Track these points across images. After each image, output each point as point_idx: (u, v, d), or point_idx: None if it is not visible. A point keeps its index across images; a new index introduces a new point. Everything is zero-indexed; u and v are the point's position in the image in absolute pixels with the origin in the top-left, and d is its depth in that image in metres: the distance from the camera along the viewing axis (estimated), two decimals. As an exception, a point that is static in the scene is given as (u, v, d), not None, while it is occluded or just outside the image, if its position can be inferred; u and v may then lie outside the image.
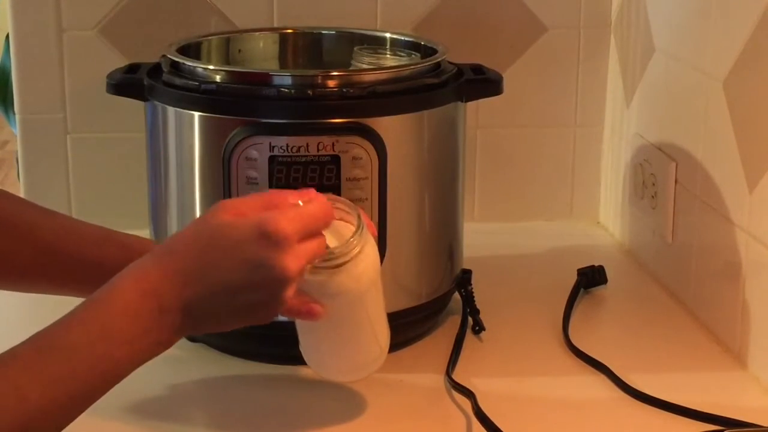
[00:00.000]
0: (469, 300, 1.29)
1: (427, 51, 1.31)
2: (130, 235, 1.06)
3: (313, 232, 0.94)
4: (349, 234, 0.99)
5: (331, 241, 0.98)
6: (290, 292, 0.92)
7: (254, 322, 0.94)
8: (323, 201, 0.96)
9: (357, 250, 0.99)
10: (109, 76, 1.27)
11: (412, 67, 1.25)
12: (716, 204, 1.25)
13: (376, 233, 1.04)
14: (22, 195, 1.57)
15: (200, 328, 0.93)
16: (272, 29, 1.48)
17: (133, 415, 1.08)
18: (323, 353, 1.07)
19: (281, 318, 0.98)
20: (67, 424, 0.85)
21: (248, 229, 0.90)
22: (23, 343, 0.85)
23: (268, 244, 0.90)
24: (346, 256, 0.98)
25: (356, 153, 1.15)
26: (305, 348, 1.07)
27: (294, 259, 0.91)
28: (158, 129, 1.23)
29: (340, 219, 1.00)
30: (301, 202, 0.95)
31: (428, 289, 1.25)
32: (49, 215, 1.05)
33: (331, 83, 1.17)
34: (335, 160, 1.15)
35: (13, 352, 0.84)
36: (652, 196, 1.43)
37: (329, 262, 0.98)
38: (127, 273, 0.90)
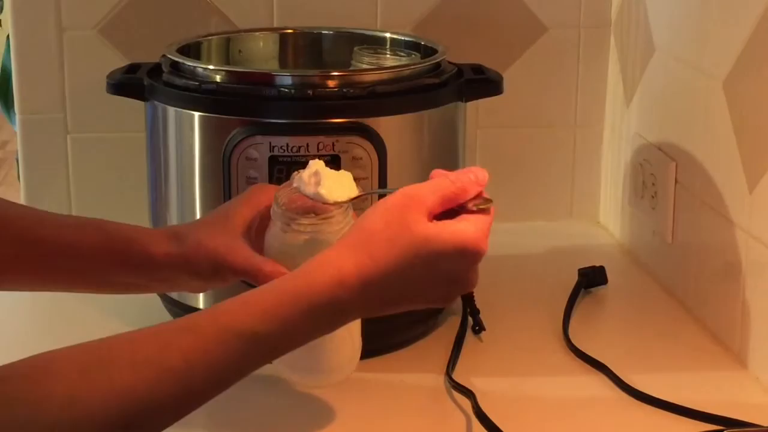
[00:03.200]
0: (469, 300, 1.29)
1: (427, 51, 1.32)
2: (106, 220, 1.05)
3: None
4: (334, 185, 0.98)
5: (312, 186, 0.97)
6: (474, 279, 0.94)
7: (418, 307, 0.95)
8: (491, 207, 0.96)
9: (347, 220, 0.97)
10: (109, 76, 1.27)
11: (412, 67, 1.25)
12: (716, 204, 1.25)
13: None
14: (22, 195, 1.57)
15: (369, 314, 0.93)
16: (272, 29, 1.48)
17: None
18: (297, 352, 1.03)
19: None
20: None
21: (450, 247, 0.90)
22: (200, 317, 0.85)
23: (468, 262, 0.91)
24: (338, 224, 0.97)
25: (356, 153, 1.15)
26: None
27: (478, 271, 0.93)
28: (158, 129, 1.23)
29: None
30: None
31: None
32: (21, 207, 1.05)
33: (331, 83, 1.17)
34: (335, 160, 1.15)
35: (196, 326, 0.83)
36: (652, 196, 1.43)
37: (318, 225, 0.97)
38: (320, 262, 0.89)
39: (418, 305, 0.93)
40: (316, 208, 0.98)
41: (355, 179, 1.15)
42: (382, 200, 0.92)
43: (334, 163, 1.15)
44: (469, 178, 0.95)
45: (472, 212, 0.94)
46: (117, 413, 0.77)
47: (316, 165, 0.99)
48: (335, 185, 0.98)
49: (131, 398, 0.78)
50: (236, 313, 0.85)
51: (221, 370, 0.84)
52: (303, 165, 1.14)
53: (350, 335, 1.03)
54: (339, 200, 0.98)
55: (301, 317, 0.86)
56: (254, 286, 0.91)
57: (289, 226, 0.98)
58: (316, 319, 0.87)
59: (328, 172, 0.98)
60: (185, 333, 0.83)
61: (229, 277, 1.01)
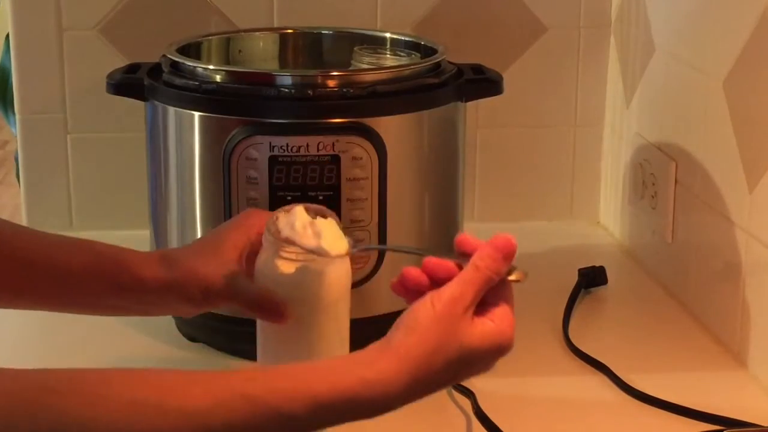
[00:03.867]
0: (469, 300, 1.29)
1: (427, 51, 1.31)
2: (98, 241, 1.04)
3: None
4: (331, 236, 0.96)
5: (311, 239, 0.96)
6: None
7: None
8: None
9: (343, 251, 0.96)
10: (109, 76, 1.27)
11: (412, 67, 1.25)
12: (716, 204, 1.25)
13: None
14: (22, 195, 1.57)
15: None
16: (272, 29, 1.48)
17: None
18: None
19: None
20: None
21: (487, 346, 0.90)
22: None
23: (499, 357, 0.92)
24: (330, 253, 0.95)
25: (356, 153, 1.15)
26: (265, 362, 1.02)
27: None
28: (158, 129, 1.23)
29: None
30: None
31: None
32: (14, 226, 1.04)
33: (331, 83, 1.17)
34: (335, 160, 1.15)
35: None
36: (652, 196, 1.43)
37: (309, 256, 0.95)
38: (364, 378, 0.86)
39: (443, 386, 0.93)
40: (306, 235, 0.96)
41: (356, 179, 1.16)
42: (425, 307, 0.89)
43: (334, 162, 1.15)
44: (495, 258, 0.96)
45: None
46: None
47: (302, 214, 0.97)
48: (329, 234, 0.96)
49: None
50: (285, 399, 0.82)
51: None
52: (303, 165, 1.15)
53: (335, 351, 1.01)
54: (341, 253, 0.96)
55: (339, 411, 0.85)
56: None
57: (280, 254, 0.96)
58: (330, 410, 0.85)
59: (322, 223, 0.97)
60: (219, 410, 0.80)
61: (219, 303, 1.00)
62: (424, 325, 0.87)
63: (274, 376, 0.84)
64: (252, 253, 1.00)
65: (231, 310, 1.06)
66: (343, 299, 1.00)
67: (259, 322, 1.01)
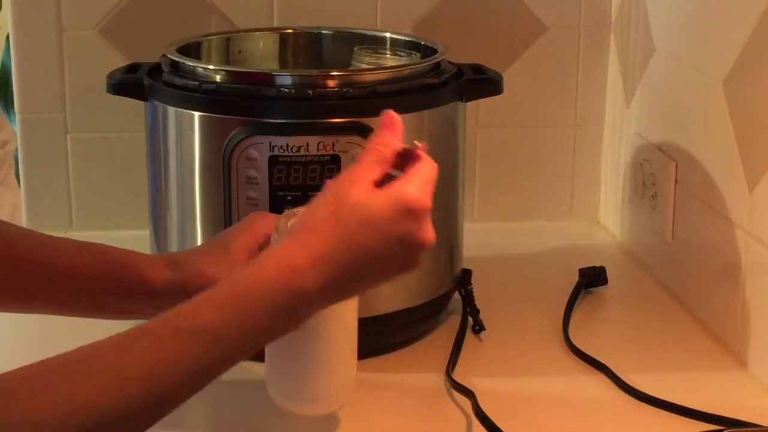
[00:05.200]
0: (469, 300, 1.29)
1: (427, 51, 1.31)
2: (104, 244, 1.04)
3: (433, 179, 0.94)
4: None
5: None
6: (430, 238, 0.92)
7: (388, 281, 0.94)
8: (427, 157, 0.95)
9: None
10: (109, 76, 1.27)
11: (412, 66, 1.25)
12: (716, 204, 1.25)
13: None
14: (22, 195, 1.57)
15: (336, 300, 0.92)
16: (272, 29, 1.48)
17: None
18: (294, 377, 1.01)
19: None
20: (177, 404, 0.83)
21: (390, 207, 0.89)
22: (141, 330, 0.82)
23: (412, 220, 0.90)
24: None
25: (356, 153, 1.15)
26: (273, 374, 1.02)
27: (431, 226, 0.92)
28: (158, 129, 1.23)
29: None
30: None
31: (428, 289, 1.25)
32: (20, 229, 1.04)
33: (331, 83, 1.17)
34: (335, 159, 1.15)
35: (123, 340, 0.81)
36: (652, 196, 1.43)
37: None
38: (269, 254, 0.89)
39: (383, 277, 0.92)
40: None
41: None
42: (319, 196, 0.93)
43: (334, 162, 1.15)
44: (383, 132, 0.95)
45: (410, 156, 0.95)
46: (83, 429, 0.75)
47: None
48: None
49: (94, 412, 0.76)
50: (192, 312, 0.83)
51: (183, 371, 0.82)
52: (303, 165, 1.15)
53: (346, 361, 1.02)
54: None
55: (257, 308, 0.85)
56: None
57: None
58: (273, 310, 0.86)
59: None
60: (144, 337, 0.81)
61: None
62: (317, 197, 0.92)
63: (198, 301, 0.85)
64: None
65: None
66: (351, 300, 1.00)
67: None
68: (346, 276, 0.89)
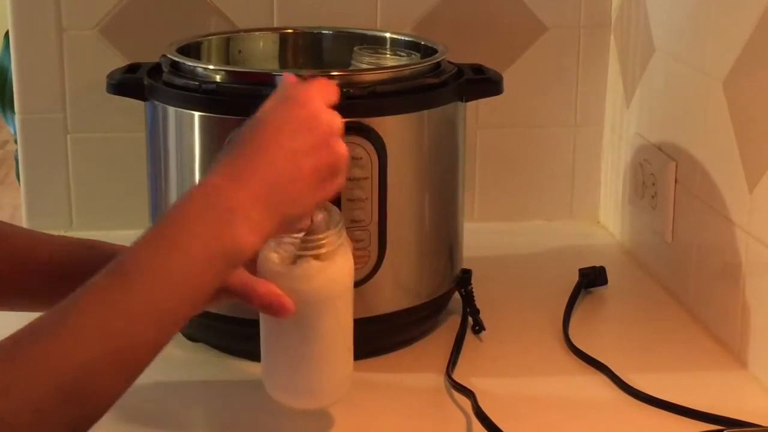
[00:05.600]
0: (469, 300, 1.29)
1: (427, 51, 1.31)
2: (98, 240, 1.04)
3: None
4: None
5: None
6: (342, 145, 0.93)
7: (328, 191, 0.93)
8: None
9: (340, 241, 0.98)
10: (109, 75, 1.27)
11: (412, 66, 1.25)
12: (716, 204, 1.25)
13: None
14: (22, 195, 1.57)
15: (278, 214, 0.89)
16: (272, 29, 1.48)
17: (132, 415, 1.08)
18: (289, 371, 1.01)
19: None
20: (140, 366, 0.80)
21: (277, 93, 0.94)
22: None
23: (298, 86, 0.94)
24: (330, 245, 0.97)
25: (356, 153, 1.15)
26: (269, 367, 1.02)
27: (329, 110, 0.93)
28: (158, 129, 1.23)
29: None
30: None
31: (428, 289, 1.25)
32: (13, 227, 1.03)
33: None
34: (335, 160, 1.15)
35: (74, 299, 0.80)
36: (652, 196, 1.43)
37: (310, 246, 0.96)
38: (194, 188, 0.88)
39: (302, 183, 0.90)
40: (308, 228, 0.98)
41: (356, 179, 1.16)
42: None
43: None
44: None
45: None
46: (55, 387, 0.75)
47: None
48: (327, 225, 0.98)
49: (65, 368, 0.75)
50: (131, 252, 0.83)
51: (135, 316, 0.80)
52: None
53: (341, 356, 1.02)
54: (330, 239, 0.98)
55: (181, 230, 0.84)
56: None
57: (281, 245, 0.97)
58: (202, 220, 0.84)
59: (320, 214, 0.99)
60: (109, 277, 0.81)
61: (221, 297, 0.98)
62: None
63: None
64: None
65: (232, 309, 1.06)
66: (344, 296, 1.00)
67: (262, 319, 1.01)
68: (269, 181, 0.88)
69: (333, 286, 0.99)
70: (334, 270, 0.98)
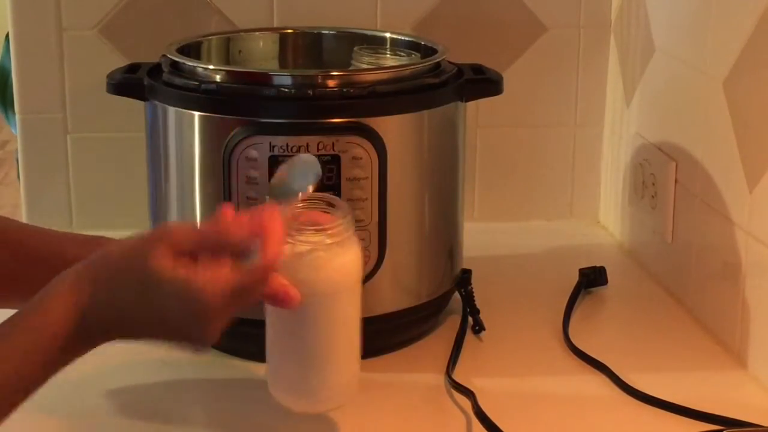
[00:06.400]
0: (469, 300, 1.29)
1: (427, 51, 1.31)
2: (108, 237, 1.04)
3: (249, 293, 0.90)
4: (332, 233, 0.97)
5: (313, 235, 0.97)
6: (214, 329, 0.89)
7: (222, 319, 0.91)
8: (272, 253, 0.89)
9: (348, 234, 0.97)
10: (109, 75, 1.27)
11: (412, 66, 1.25)
12: (716, 204, 1.25)
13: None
14: (22, 195, 1.57)
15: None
16: (272, 29, 1.48)
17: (132, 415, 1.08)
18: (294, 374, 1.00)
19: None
20: None
21: (177, 288, 0.87)
22: None
23: (190, 311, 0.88)
24: (338, 236, 0.97)
25: (356, 153, 1.15)
26: (274, 370, 1.01)
27: (215, 326, 0.88)
28: (158, 129, 1.23)
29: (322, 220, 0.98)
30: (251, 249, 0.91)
31: (428, 289, 1.25)
32: (20, 223, 1.04)
33: (331, 83, 1.17)
34: (335, 159, 1.15)
35: None
36: (652, 196, 1.43)
37: (318, 237, 0.96)
38: (59, 283, 0.89)
39: (158, 335, 0.91)
40: (317, 221, 0.98)
41: (356, 179, 1.16)
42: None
43: (334, 162, 1.15)
44: (239, 222, 0.91)
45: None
46: None
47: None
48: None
49: None
50: None
51: None
52: (303, 165, 1.15)
53: (347, 359, 1.01)
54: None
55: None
56: None
57: (290, 238, 0.96)
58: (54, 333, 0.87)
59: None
60: None
61: None
62: (129, 239, 0.92)
63: None
64: None
65: None
66: (351, 291, 1.00)
67: (267, 316, 1.00)
68: (118, 322, 0.89)
69: (340, 278, 0.98)
70: (341, 261, 0.98)
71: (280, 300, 0.94)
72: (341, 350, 1.00)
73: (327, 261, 0.97)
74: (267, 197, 0.98)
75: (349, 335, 1.01)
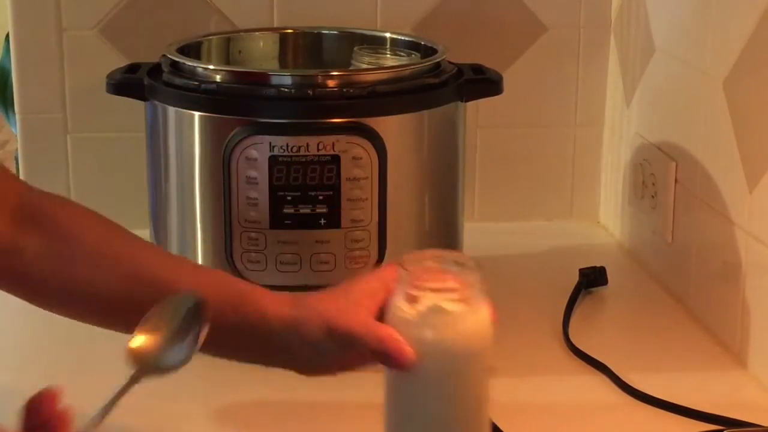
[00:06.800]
0: (469, 300, 1.29)
1: (427, 51, 1.32)
2: (219, 270, 1.02)
3: None
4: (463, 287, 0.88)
5: (442, 283, 0.88)
6: None
7: None
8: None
9: (477, 292, 0.88)
10: (109, 75, 1.27)
11: (412, 66, 1.25)
12: (716, 204, 1.25)
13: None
14: (22, 195, 1.57)
15: None
16: (272, 29, 1.48)
17: (132, 415, 1.08)
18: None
19: None
20: None
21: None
22: None
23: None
24: (467, 293, 0.88)
25: (356, 153, 1.15)
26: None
27: None
28: (158, 129, 1.23)
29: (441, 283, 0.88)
30: None
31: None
32: (140, 240, 1.00)
33: (332, 83, 1.17)
34: (335, 159, 1.15)
35: None
36: (652, 196, 1.43)
37: (443, 293, 0.87)
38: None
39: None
40: (443, 280, 0.88)
41: (356, 179, 1.16)
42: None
43: (334, 162, 1.15)
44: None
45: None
46: None
47: (436, 257, 0.91)
48: (461, 284, 0.89)
49: None
50: None
51: None
52: (303, 164, 1.15)
53: (473, 424, 0.91)
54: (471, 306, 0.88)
55: None
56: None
57: (411, 292, 0.88)
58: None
59: (455, 270, 0.90)
60: None
61: (340, 338, 0.91)
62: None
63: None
64: (386, 300, 0.92)
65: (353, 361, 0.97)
66: (478, 356, 0.90)
67: (385, 375, 0.91)
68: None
69: (466, 340, 0.88)
70: (469, 322, 0.88)
71: (392, 358, 0.87)
72: (466, 419, 0.91)
73: (454, 320, 0.87)
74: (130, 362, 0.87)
75: (477, 403, 0.91)
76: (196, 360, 1.18)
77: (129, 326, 0.90)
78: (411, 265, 0.89)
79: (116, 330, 0.96)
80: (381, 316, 0.90)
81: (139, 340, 0.86)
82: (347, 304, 0.92)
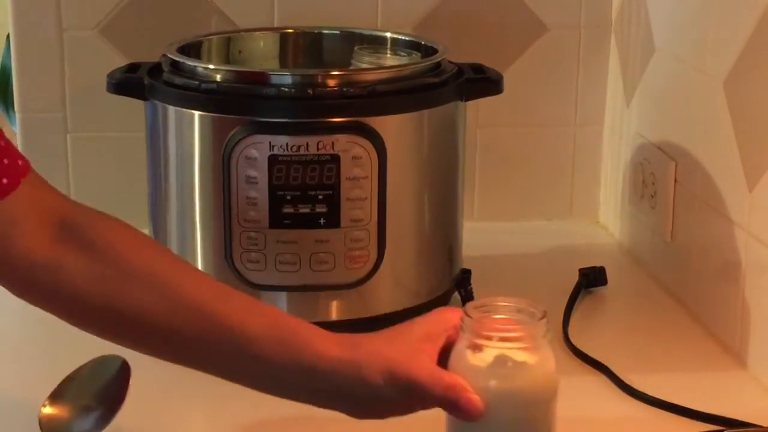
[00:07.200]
0: (468, 300, 1.29)
1: (427, 50, 1.32)
2: (271, 306, 0.98)
3: None
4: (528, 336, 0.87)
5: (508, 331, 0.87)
6: None
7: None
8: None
9: (543, 341, 0.87)
10: (110, 75, 1.27)
11: (412, 66, 1.25)
12: (716, 204, 1.25)
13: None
14: (22, 195, 1.57)
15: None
16: (273, 29, 1.48)
17: (132, 415, 1.08)
18: None
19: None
20: None
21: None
22: None
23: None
24: (533, 341, 0.86)
25: (356, 152, 1.15)
26: None
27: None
28: (158, 128, 1.23)
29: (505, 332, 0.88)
30: None
31: (428, 289, 1.25)
32: (195, 272, 0.98)
33: (332, 82, 1.17)
34: (335, 159, 1.15)
35: None
36: (652, 196, 1.43)
37: (510, 342, 0.86)
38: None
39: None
40: (508, 328, 0.88)
41: (355, 178, 1.16)
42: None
43: (333, 162, 1.15)
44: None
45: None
46: None
47: (501, 305, 0.90)
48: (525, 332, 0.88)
49: None
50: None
51: None
52: (303, 164, 1.15)
53: None
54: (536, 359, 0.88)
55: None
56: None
57: (477, 341, 0.87)
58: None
59: (520, 319, 0.89)
60: None
61: (402, 384, 0.89)
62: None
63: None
64: (446, 346, 0.91)
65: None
66: (546, 406, 0.90)
67: (448, 420, 0.90)
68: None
69: (534, 390, 0.88)
70: (536, 373, 0.87)
71: (458, 407, 0.87)
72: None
73: (522, 369, 0.87)
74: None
75: None
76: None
77: (165, 353, 0.93)
78: (475, 312, 0.88)
79: (151, 355, 0.95)
80: (441, 361, 0.90)
81: (50, 409, 0.85)
82: (408, 349, 0.90)
